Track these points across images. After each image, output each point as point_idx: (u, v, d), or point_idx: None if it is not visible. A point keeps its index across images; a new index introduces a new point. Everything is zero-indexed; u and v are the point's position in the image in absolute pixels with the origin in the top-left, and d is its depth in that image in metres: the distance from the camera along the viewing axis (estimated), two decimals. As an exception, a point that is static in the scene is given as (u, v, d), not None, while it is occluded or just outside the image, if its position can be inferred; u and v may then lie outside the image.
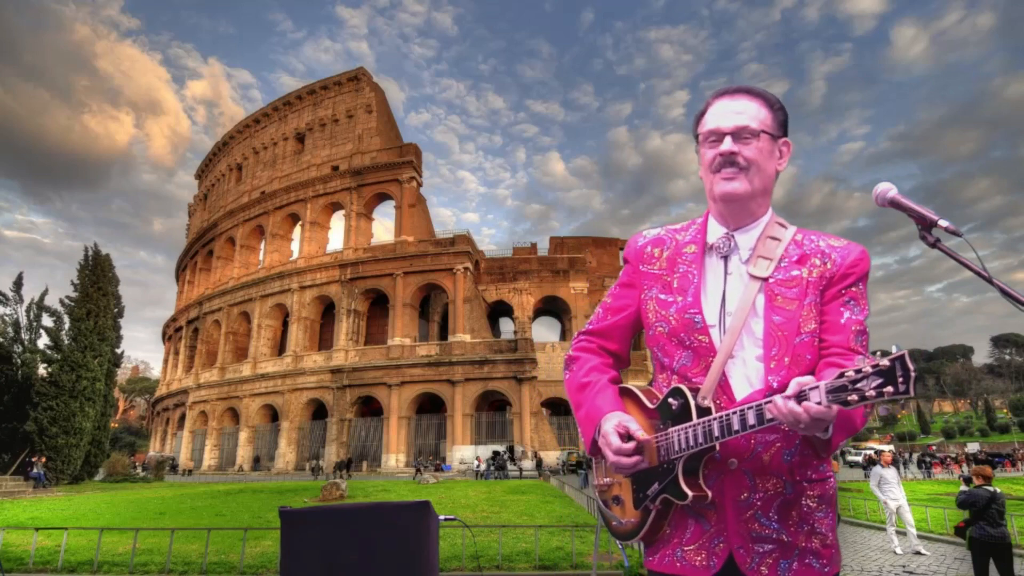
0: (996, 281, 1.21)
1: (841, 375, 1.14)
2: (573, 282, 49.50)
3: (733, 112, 1.47)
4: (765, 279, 1.44)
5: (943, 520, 12.52)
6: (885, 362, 1.10)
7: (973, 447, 60.76)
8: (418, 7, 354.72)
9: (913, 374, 1.06)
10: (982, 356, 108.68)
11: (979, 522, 6.32)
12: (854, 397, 1.11)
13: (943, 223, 1.23)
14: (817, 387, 1.16)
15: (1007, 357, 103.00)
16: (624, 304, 1.63)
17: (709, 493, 1.35)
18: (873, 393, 1.09)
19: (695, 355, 1.44)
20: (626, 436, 1.40)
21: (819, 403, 1.15)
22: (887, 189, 1.33)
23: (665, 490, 1.37)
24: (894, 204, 1.31)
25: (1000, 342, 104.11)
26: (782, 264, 1.45)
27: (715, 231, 1.54)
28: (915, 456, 47.80)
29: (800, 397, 1.17)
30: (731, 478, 1.38)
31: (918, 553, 9.75)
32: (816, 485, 1.41)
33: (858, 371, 1.12)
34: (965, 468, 36.19)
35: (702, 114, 1.56)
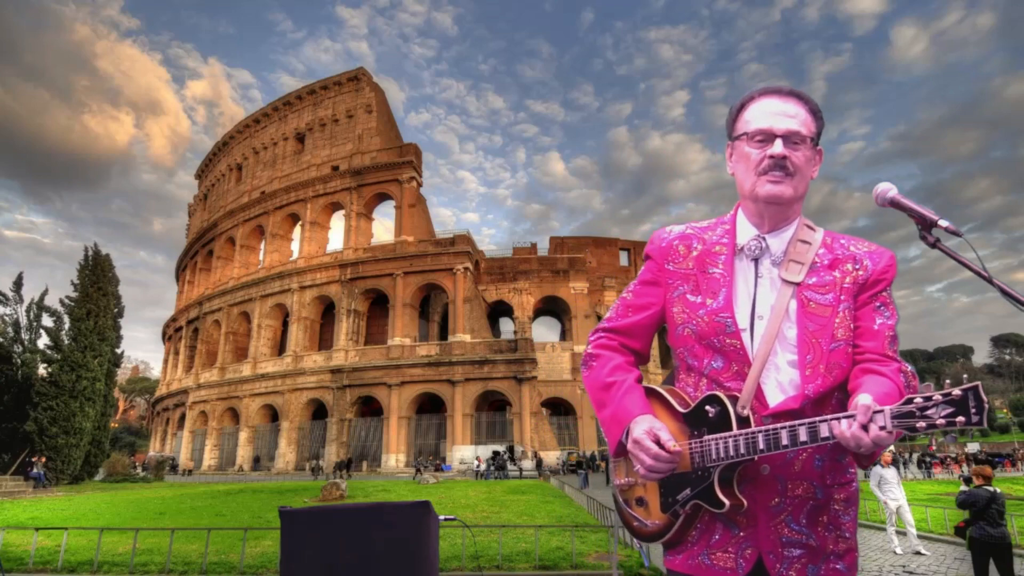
0: (996, 281, 1.21)
1: (908, 401, 1.14)
2: (573, 282, 49.46)
3: (785, 115, 1.44)
4: (798, 284, 1.42)
5: (943, 520, 12.50)
6: (957, 392, 1.10)
7: (973, 447, 60.72)
8: (418, 7, 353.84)
9: (986, 405, 1.07)
10: (982, 356, 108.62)
11: (979, 522, 6.31)
12: (922, 424, 1.11)
13: (943, 223, 1.24)
14: (882, 411, 1.15)
15: (1007, 357, 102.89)
16: (648, 302, 1.58)
17: (745, 502, 1.34)
18: (943, 422, 1.09)
19: (726, 359, 1.42)
20: (657, 444, 1.36)
21: (883, 428, 1.14)
22: (887, 189, 1.33)
23: (698, 497, 1.36)
24: (894, 204, 1.32)
25: (1000, 342, 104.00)
26: (814, 268, 1.44)
27: (745, 232, 1.51)
28: (915, 456, 47.81)
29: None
30: (763, 484, 1.37)
31: (918, 553, 9.74)
32: (843, 488, 1.40)
33: (927, 398, 1.12)
34: (965, 468, 36.20)
35: (741, 108, 1.52)
